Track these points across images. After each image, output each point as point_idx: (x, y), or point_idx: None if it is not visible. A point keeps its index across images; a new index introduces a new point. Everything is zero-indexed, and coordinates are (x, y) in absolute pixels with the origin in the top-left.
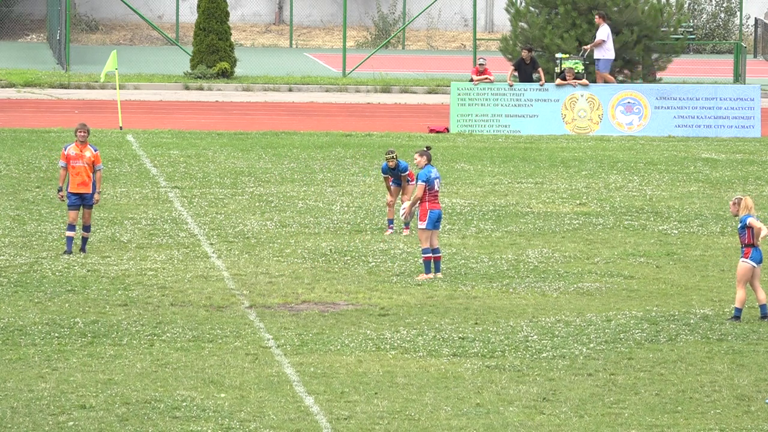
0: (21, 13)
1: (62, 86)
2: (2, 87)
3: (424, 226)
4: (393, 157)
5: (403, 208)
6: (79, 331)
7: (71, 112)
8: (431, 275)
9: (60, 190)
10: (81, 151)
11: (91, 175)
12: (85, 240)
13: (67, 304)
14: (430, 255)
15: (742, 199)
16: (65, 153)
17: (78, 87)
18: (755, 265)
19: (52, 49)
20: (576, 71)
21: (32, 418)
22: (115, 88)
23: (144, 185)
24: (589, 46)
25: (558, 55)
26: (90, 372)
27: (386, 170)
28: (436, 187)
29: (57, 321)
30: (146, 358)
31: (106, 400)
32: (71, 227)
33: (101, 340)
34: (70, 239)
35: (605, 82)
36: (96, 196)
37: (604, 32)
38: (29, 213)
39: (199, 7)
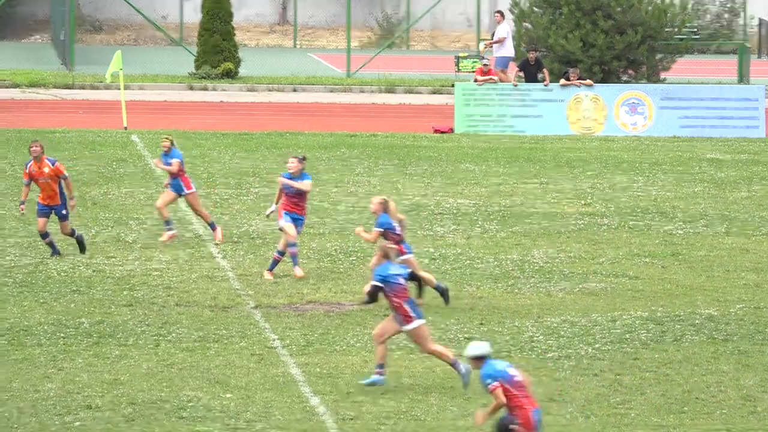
0: (25, 13)
1: (66, 86)
2: (6, 87)
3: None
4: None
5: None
6: (85, 332)
7: (75, 113)
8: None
9: (22, 203)
10: (40, 168)
11: (56, 187)
12: (79, 241)
13: (72, 305)
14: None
15: (387, 202)
16: (27, 171)
17: (82, 87)
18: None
19: (56, 50)
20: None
21: (38, 418)
22: (120, 89)
23: (149, 185)
24: (488, 42)
25: (458, 54)
26: (96, 372)
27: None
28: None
29: (62, 321)
30: (152, 358)
31: (112, 400)
32: (43, 235)
33: (107, 340)
34: (49, 243)
35: (501, 80)
36: (71, 202)
37: (504, 30)
38: (34, 213)
39: (203, 7)
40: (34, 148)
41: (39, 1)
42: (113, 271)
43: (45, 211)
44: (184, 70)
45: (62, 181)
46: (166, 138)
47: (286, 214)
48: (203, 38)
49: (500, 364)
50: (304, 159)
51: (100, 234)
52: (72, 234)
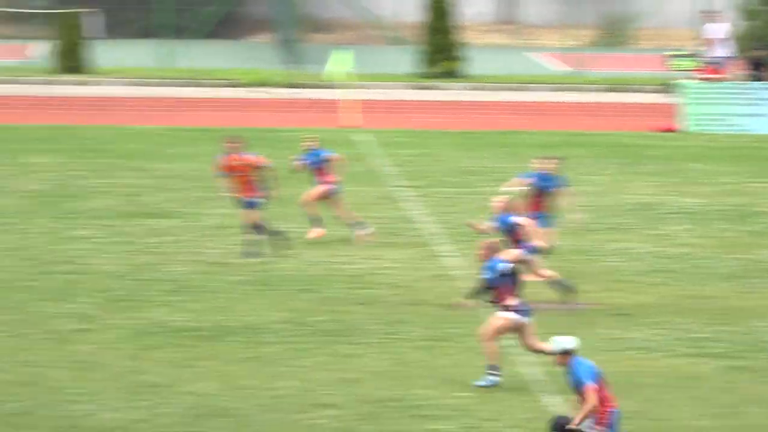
0: (247, 13)
1: (290, 86)
2: (232, 87)
3: None
4: None
5: None
6: (317, 330)
7: (300, 112)
8: None
9: (224, 193)
10: (234, 160)
11: (251, 180)
12: (268, 233)
13: (304, 303)
14: None
15: (510, 202)
16: (221, 164)
17: (305, 86)
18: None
19: (279, 49)
20: (692, 67)
21: (276, 415)
22: (344, 88)
23: (375, 184)
24: (705, 41)
25: (669, 52)
26: (329, 371)
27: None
28: None
29: (295, 320)
30: (384, 356)
31: (347, 398)
32: (256, 228)
33: (339, 338)
34: (265, 235)
35: (721, 78)
36: (272, 192)
37: (718, 29)
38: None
39: (426, 6)
40: (230, 144)
41: (260, 1)
42: (343, 270)
43: (245, 205)
44: (408, 69)
45: (261, 173)
46: (310, 138)
47: (537, 217)
48: (427, 37)
49: (589, 362)
50: (560, 159)
51: (327, 233)
52: (257, 229)
